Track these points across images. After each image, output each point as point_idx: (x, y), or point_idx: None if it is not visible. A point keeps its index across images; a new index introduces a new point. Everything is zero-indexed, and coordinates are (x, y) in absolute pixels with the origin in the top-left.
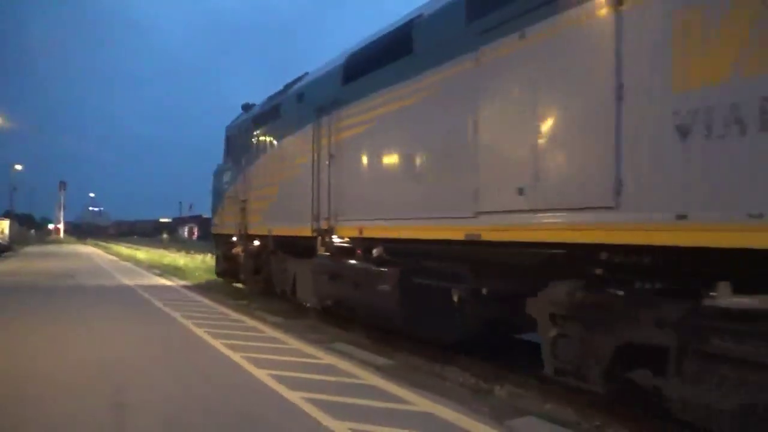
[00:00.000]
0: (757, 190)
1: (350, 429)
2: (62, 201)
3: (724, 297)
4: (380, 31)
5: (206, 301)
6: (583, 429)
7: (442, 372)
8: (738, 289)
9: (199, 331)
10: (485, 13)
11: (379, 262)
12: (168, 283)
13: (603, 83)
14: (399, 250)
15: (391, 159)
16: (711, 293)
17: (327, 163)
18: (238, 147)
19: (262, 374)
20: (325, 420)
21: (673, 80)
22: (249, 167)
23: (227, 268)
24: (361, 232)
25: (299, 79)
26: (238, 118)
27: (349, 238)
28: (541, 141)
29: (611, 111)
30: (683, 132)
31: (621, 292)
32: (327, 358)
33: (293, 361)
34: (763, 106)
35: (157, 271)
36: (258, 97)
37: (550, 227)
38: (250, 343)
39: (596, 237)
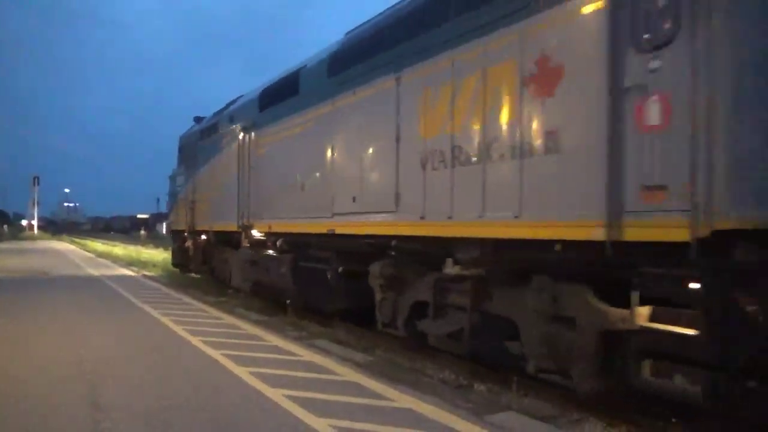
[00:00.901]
0: (451, 202)
1: (331, 426)
2: (36, 197)
3: (448, 268)
4: (283, 72)
5: (185, 298)
6: (562, 423)
7: (422, 368)
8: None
9: (178, 329)
10: (337, 72)
11: (281, 251)
12: (146, 280)
13: (390, 129)
14: (294, 242)
15: (287, 173)
16: (445, 266)
17: (248, 173)
18: (188, 155)
19: (242, 371)
20: (306, 417)
21: (419, 131)
22: (196, 173)
23: (181, 259)
24: (270, 228)
25: (234, 101)
26: (189, 129)
27: (263, 232)
28: (363, 165)
29: (394, 148)
30: (422, 164)
31: (408, 267)
32: (307, 355)
33: (273, 358)
34: (453, 152)
35: (135, 268)
36: (235, 91)
37: (369, 224)
38: (229, 341)
39: (387, 230)
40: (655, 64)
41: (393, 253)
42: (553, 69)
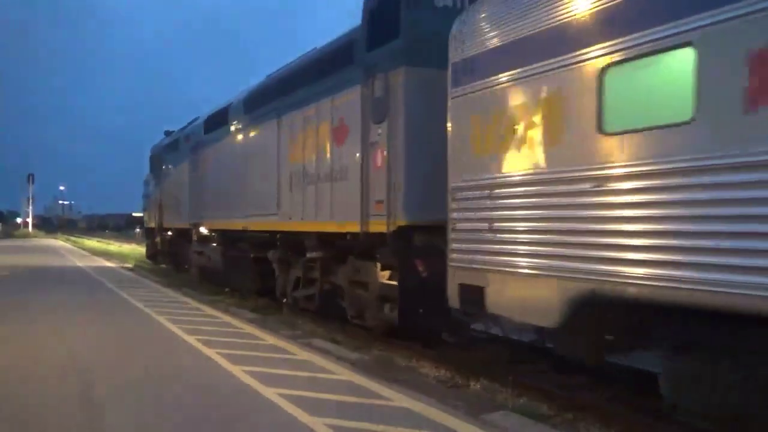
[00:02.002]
0: (303, 207)
1: (327, 425)
2: (30, 194)
3: (309, 253)
4: (218, 106)
5: (180, 297)
6: (557, 422)
7: (417, 367)
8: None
9: (174, 327)
10: (249, 111)
11: (217, 243)
12: (142, 278)
13: (274, 156)
14: (225, 236)
15: (219, 183)
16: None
17: (195, 182)
18: (156, 164)
19: (236, 370)
20: (302, 416)
21: (289, 158)
22: (163, 179)
23: (153, 252)
24: (210, 226)
25: (192, 122)
26: (159, 142)
27: (207, 229)
28: (262, 180)
29: (276, 169)
30: (290, 182)
31: (290, 253)
32: (302, 354)
33: (268, 357)
34: (303, 174)
35: (129, 265)
36: (231, 88)
37: (265, 223)
38: (224, 339)
39: (274, 227)
40: (379, 131)
41: (279, 243)
42: (345, 127)
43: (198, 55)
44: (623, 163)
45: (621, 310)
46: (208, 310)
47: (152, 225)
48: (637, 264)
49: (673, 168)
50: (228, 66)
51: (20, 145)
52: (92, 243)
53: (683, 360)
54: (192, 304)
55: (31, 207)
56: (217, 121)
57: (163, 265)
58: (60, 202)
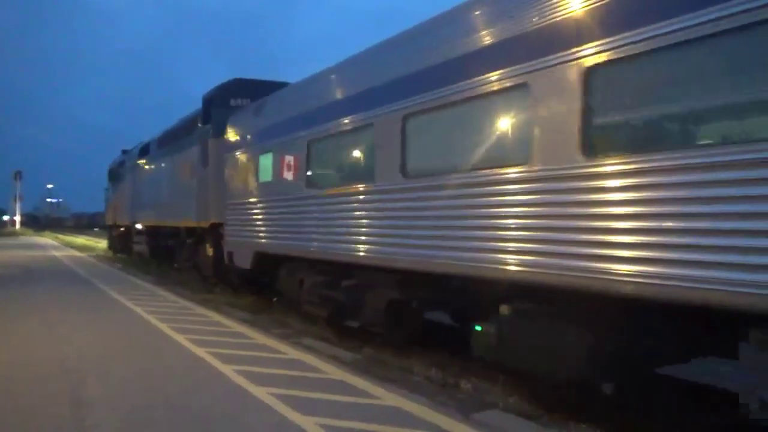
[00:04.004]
0: (184, 211)
1: (317, 424)
2: (18, 192)
3: (187, 239)
4: (147, 139)
5: (170, 295)
6: (547, 421)
7: (408, 367)
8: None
9: (163, 326)
10: (161, 147)
11: (145, 235)
12: (132, 277)
13: (170, 177)
14: (152, 230)
15: (145, 193)
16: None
17: (135, 191)
18: (113, 176)
19: (227, 369)
20: (292, 415)
21: (176, 180)
22: (116, 188)
23: (112, 245)
24: (143, 223)
25: (136, 146)
26: (116, 159)
27: (142, 225)
28: (164, 193)
29: (170, 186)
30: (178, 194)
31: (183, 239)
32: (293, 353)
33: (259, 356)
34: (181, 191)
35: (119, 265)
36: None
37: (166, 221)
38: (215, 338)
39: (170, 223)
40: (205, 171)
41: (174, 234)
42: (193, 166)
43: (190, 52)
44: (277, 194)
45: (270, 257)
46: (199, 309)
47: (110, 223)
48: (270, 238)
49: (292, 198)
50: (220, 65)
51: (8, 142)
52: (79, 240)
53: (309, 281)
54: (182, 303)
55: (18, 204)
56: (145, 150)
57: (120, 254)
58: (48, 200)
